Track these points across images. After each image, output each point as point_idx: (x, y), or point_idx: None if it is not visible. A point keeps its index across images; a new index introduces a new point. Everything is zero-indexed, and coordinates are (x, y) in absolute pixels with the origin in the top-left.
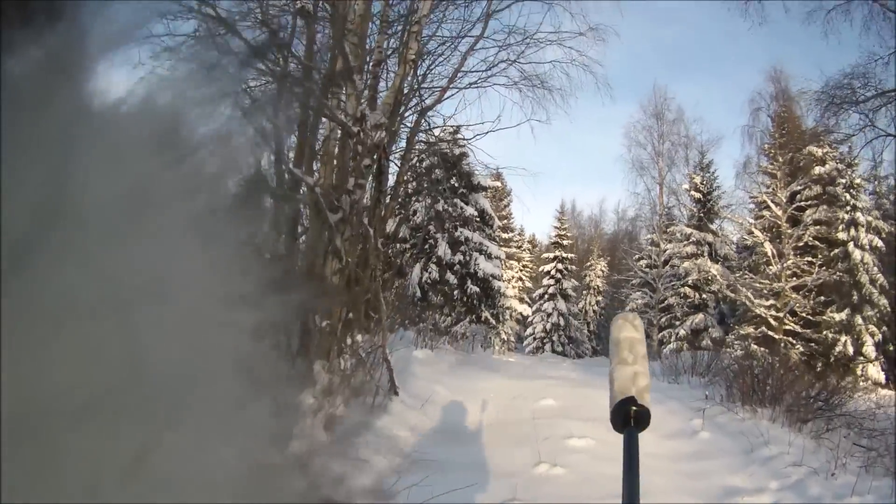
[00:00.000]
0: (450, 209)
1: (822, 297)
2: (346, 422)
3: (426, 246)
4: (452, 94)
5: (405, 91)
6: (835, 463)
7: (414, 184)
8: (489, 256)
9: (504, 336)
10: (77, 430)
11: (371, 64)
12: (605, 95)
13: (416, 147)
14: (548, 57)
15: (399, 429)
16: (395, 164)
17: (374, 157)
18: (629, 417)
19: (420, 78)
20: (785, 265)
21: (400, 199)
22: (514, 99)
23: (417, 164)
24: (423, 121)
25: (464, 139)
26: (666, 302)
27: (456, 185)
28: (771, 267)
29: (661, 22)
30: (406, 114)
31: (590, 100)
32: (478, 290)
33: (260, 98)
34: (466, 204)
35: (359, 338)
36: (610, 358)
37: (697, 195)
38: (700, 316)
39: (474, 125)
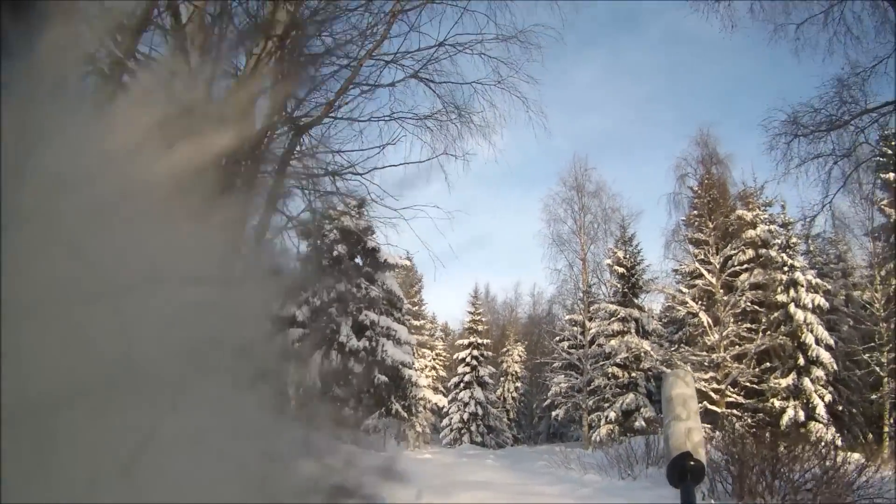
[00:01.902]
0: (353, 289)
1: (768, 364)
2: None
3: (327, 330)
4: (343, 128)
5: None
6: None
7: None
8: (398, 342)
9: (419, 428)
10: (70, 418)
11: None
12: (539, 126)
13: (296, 179)
14: (469, 76)
15: None
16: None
17: None
18: (685, 472)
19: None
20: (724, 334)
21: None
22: (424, 138)
23: (320, 240)
24: (299, 142)
25: (353, 170)
26: (593, 384)
27: (360, 262)
28: (708, 337)
29: (578, 113)
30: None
31: (500, 182)
32: (386, 379)
33: None
34: (372, 284)
35: None
36: (663, 415)
37: (621, 270)
38: (630, 396)
39: (370, 150)
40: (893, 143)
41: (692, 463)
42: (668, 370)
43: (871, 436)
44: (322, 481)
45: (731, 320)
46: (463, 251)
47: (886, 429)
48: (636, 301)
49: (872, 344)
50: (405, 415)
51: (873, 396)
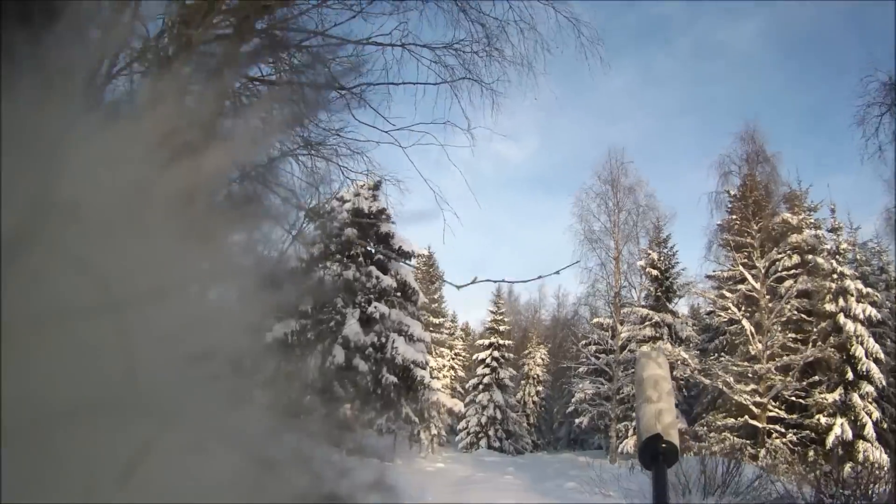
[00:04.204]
0: (362, 278)
1: (815, 377)
2: None
3: (331, 323)
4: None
5: None
6: None
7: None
8: (411, 339)
9: (434, 430)
10: (72, 431)
11: None
12: (593, 58)
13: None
14: None
15: None
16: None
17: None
18: (657, 454)
19: None
20: (768, 343)
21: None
22: (439, 72)
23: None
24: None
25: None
26: (622, 392)
27: (371, 249)
28: (751, 346)
29: (607, 121)
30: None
31: (523, 181)
32: (395, 379)
33: None
34: (385, 273)
35: None
36: (635, 396)
37: (654, 272)
38: None
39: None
40: None
41: (664, 445)
42: (641, 351)
43: None
44: (314, 490)
45: (777, 329)
46: (485, 201)
47: None
48: (669, 306)
49: None
50: (415, 419)
51: None
